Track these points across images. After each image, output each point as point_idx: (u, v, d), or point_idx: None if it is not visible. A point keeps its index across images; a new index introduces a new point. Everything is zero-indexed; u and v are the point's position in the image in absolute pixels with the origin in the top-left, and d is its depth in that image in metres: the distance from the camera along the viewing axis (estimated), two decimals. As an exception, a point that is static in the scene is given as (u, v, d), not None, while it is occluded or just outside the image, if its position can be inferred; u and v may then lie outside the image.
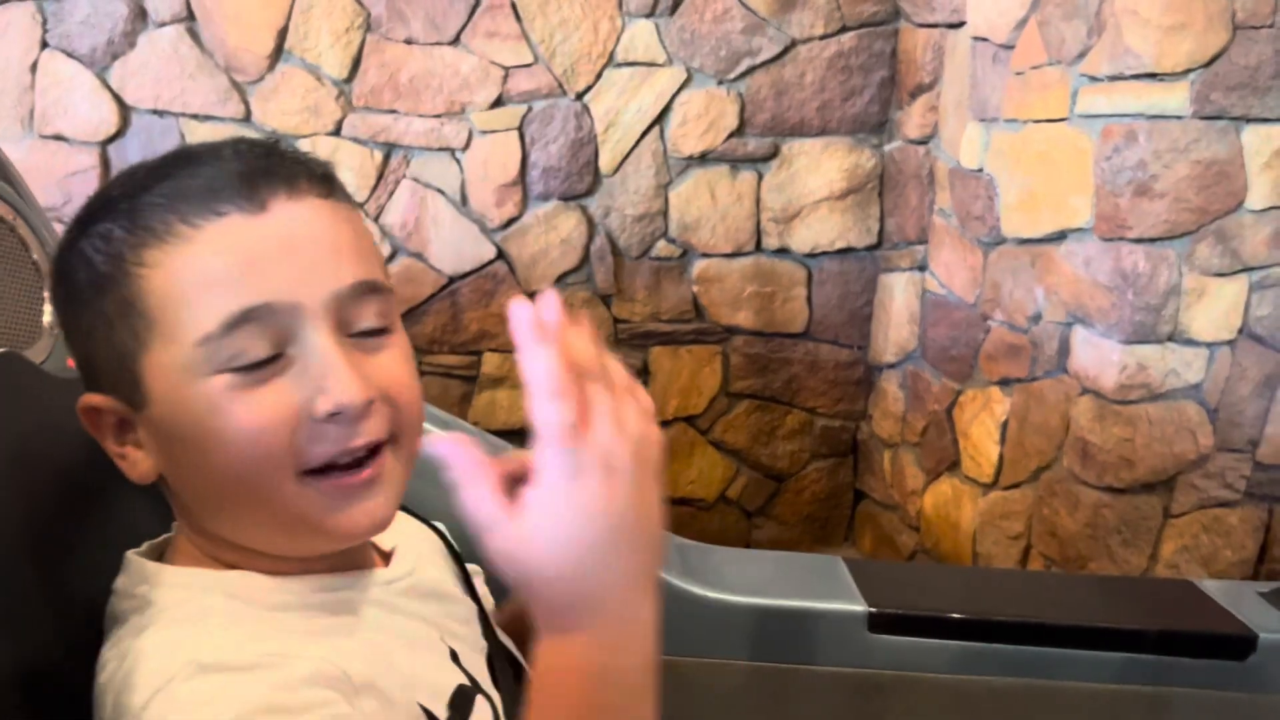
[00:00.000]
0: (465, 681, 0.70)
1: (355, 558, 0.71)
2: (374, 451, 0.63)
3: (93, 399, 0.65)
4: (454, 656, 0.71)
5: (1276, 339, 2.15)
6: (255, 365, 0.59)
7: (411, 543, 0.77)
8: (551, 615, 0.54)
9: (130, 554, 0.69)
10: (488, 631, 0.77)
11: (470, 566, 0.85)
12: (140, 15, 2.55)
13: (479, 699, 0.69)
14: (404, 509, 0.76)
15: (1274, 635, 1.14)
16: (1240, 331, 2.13)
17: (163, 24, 2.55)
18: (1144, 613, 1.20)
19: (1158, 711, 1.16)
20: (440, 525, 0.84)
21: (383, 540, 0.75)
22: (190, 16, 2.55)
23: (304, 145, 2.58)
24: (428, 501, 0.76)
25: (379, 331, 0.64)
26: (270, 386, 0.59)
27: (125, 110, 2.59)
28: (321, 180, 0.64)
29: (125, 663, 0.60)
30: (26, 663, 0.68)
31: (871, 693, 1.14)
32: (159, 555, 0.69)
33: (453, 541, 0.83)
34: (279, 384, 0.60)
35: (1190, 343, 2.12)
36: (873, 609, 1.13)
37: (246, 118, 2.60)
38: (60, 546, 0.75)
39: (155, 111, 2.59)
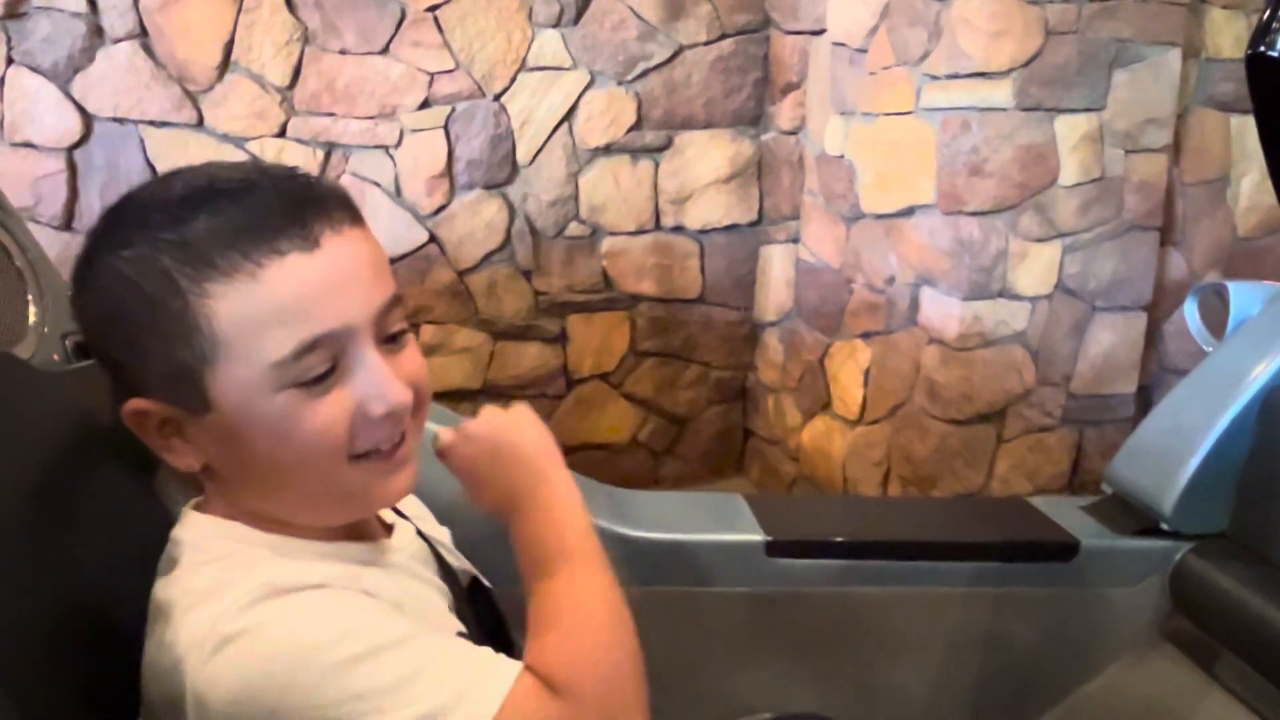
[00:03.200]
0: (461, 629, 0.70)
1: (370, 530, 0.72)
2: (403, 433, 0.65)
3: (140, 404, 0.62)
4: (451, 608, 0.73)
5: (1084, 292, 2.22)
6: (317, 379, 0.60)
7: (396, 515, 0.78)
8: (524, 489, 0.70)
9: (186, 507, 0.68)
10: (448, 577, 0.77)
11: (441, 528, 0.84)
12: (97, 32, 2.40)
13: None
14: None
15: (1093, 540, 1.19)
16: (1056, 287, 2.20)
17: (118, 40, 2.41)
18: (988, 527, 1.24)
19: (1002, 607, 1.19)
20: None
21: (384, 514, 0.76)
22: (143, 32, 2.41)
23: (252, 147, 2.50)
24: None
25: (401, 332, 0.65)
26: (330, 396, 0.61)
27: (88, 119, 2.44)
28: (348, 209, 0.63)
29: (186, 598, 0.60)
30: (32, 631, 0.65)
31: (770, 608, 1.15)
32: (204, 509, 0.68)
33: (406, 514, 0.81)
34: (336, 393, 0.61)
35: (1016, 297, 2.18)
36: (770, 537, 1.14)
37: (199, 124, 2.48)
38: (58, 525, 0.72)
39: (115, 119, 2.45)
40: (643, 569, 1.13)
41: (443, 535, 0.84)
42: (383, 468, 0.64)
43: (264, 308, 0.58)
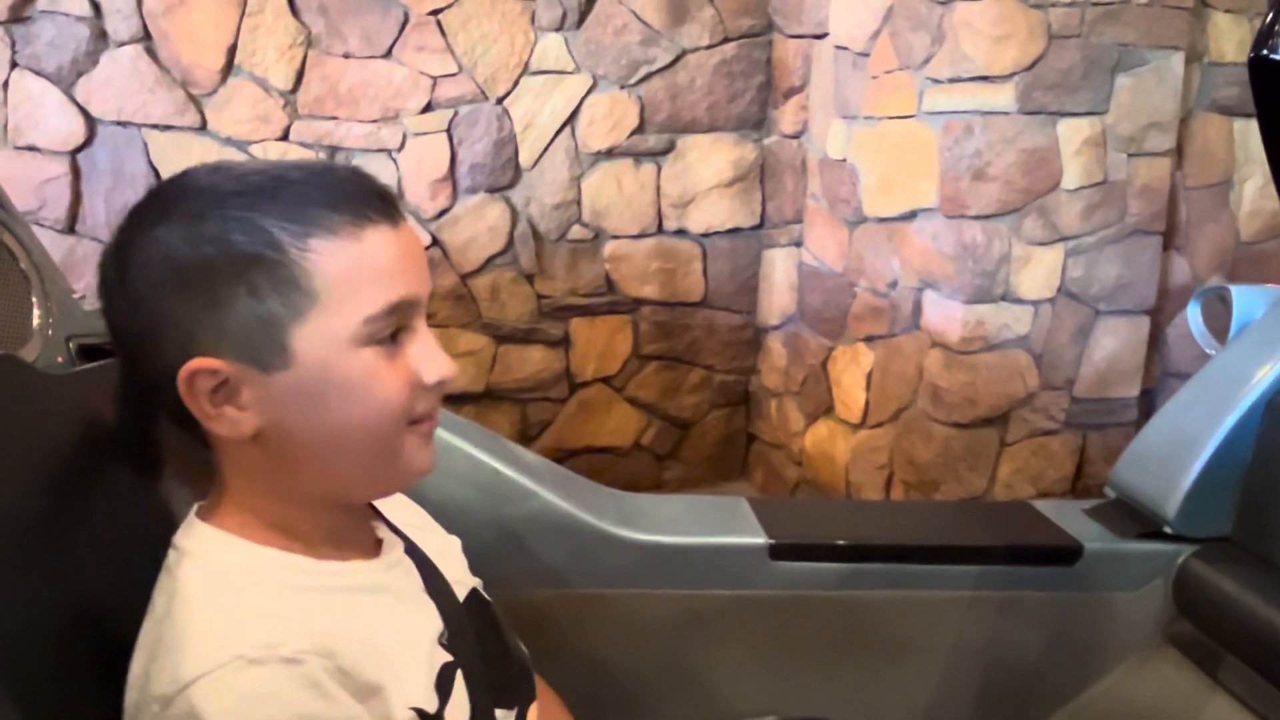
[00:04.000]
0: (449, 659, 0.70)
1: (364, 546, 0.73)
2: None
3: (205, 363, 0.62)
4: (442, 637, 0.72)
5: (1087, 295, 2.22)
6: (388, 340, 0.65)
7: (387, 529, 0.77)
8: None
9: (192, 512, 0.69)
10: (442, 592, 0.76)
11: (450, 538, 0.84)
12: (101, 36, 2.41)
13: (458, 673, 0.70)
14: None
15: (1096, 544, 1.18)
16: (1059, 291, 2.20)
17: (122, 44, 2.42)
18: (992, 531, 1.23)
19: (1005, 611, 1.19)
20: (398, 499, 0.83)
21: (378, 530, 0.76)
22: (147, 36, 2.42)
23: (255, 151, 2.50)
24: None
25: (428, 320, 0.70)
26: (398, 359, 0.65)
27: (91, 122, 2.45)
28: (397, 205, 0.69)
29: (168, 624, 0.61)
30: (35, 634, 0.65)
31: (774, 611, 1.15)
32: (208, 515, 0.69)
33: (398, 529, 0.80)
34: (403, 356, 0.66)
35: (1019, 301, 2.18)
36: (773, 540, 1.14)
37: (203, 127, 2.49)
38: (62, 528, 0.72)
39: (119, 123, 2.46)
40: (646, 572, 1.13)
41: (452, 544, 0.84)
42: (423, 436, 0.68)
43: (364, 265, 0.63)
